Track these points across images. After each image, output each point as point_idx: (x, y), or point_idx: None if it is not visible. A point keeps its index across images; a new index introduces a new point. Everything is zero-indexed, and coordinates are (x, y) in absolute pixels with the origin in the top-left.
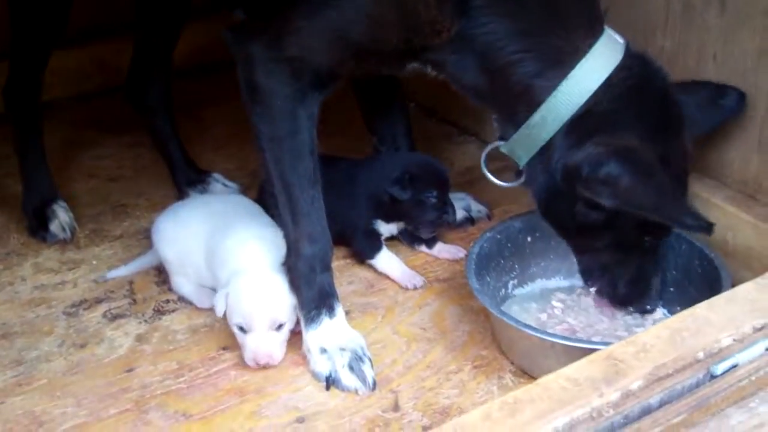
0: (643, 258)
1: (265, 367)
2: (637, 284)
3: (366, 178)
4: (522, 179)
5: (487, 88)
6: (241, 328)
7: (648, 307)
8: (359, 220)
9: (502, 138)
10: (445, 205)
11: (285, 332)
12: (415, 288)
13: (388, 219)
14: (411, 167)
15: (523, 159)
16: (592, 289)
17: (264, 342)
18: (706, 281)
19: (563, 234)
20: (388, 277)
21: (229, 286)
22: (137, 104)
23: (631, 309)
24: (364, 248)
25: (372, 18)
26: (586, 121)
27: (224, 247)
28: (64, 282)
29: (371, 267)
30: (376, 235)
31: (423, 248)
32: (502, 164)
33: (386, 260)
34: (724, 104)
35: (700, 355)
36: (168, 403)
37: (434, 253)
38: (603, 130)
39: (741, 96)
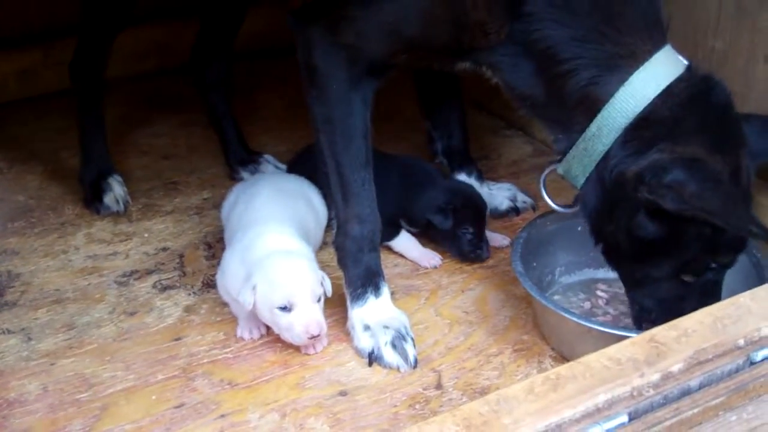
0: (706, 296)
1: (315, 338)
2: None
3: (402, 184)
4: (578, 206)
5: (542, 98)
6: (283, 308)
7: None
8: (384, 208)
9: (561, 156)
10: (480, 242)
11: (321, 305)
12: (435, 268)
13: (412, 227)
14: (455, 198)
15: (579, 179)
16: None
17: (312, 312)
18: (748, 279)
19: (616, 261)
20: None
21: (255, 276)
22: (197, 82)
23: None
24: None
25: (423, 14)
26: (645, 129)
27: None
28: (116, 253)
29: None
30: (398, 223)
31: None
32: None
33: (404, 242)
34: None
35: (741, 342)
36: (214, 371)
37: None
38: (666, 137)
39: None
